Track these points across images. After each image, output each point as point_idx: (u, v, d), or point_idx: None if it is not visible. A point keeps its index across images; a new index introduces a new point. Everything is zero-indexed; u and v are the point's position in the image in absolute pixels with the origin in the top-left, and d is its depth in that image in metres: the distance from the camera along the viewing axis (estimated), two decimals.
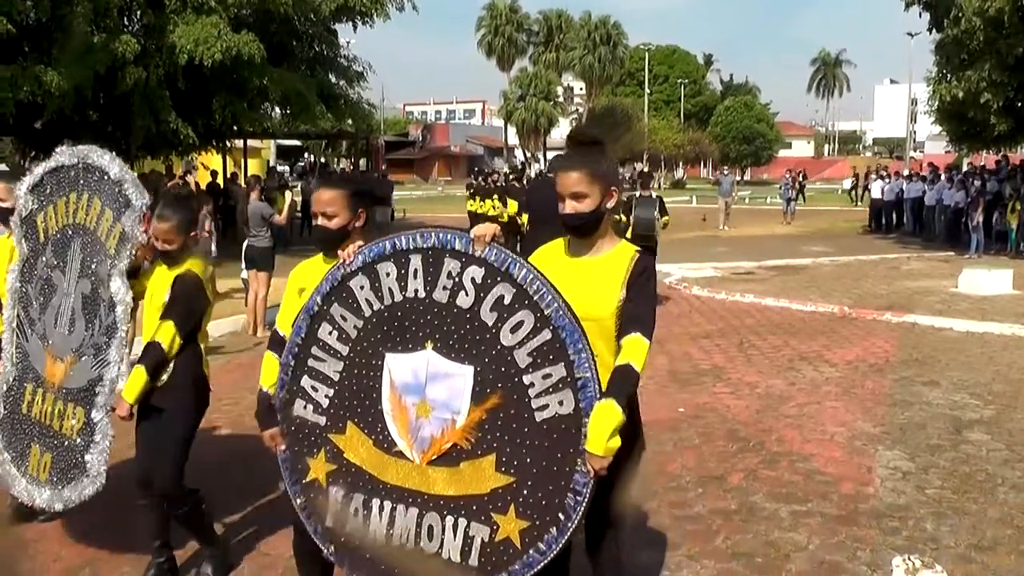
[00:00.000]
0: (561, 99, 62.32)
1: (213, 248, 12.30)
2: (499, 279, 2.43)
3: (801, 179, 36.79)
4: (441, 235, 2.53)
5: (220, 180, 21.24)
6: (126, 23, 17.37)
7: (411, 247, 2.58)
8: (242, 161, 25.89)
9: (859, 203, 35.43)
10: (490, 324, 2.44)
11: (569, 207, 2.59)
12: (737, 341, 8.94)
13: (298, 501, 2.84)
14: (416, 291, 2.57)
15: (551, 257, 2.71)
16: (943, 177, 22.11)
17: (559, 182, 2.61)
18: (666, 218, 11.08)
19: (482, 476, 2.46)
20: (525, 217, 9.62)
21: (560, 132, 66.80)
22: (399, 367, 2.60)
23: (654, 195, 11.10)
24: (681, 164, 67.55)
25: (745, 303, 11.50)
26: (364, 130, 26.16)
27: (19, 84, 13.98)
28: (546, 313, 2.36)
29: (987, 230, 18.19)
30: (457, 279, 2.49)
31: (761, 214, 31.04)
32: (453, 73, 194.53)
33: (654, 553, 3.98)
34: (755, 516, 4.42)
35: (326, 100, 19.60)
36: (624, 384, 2.40)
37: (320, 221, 3.07)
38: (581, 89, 67.03)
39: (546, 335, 2.37)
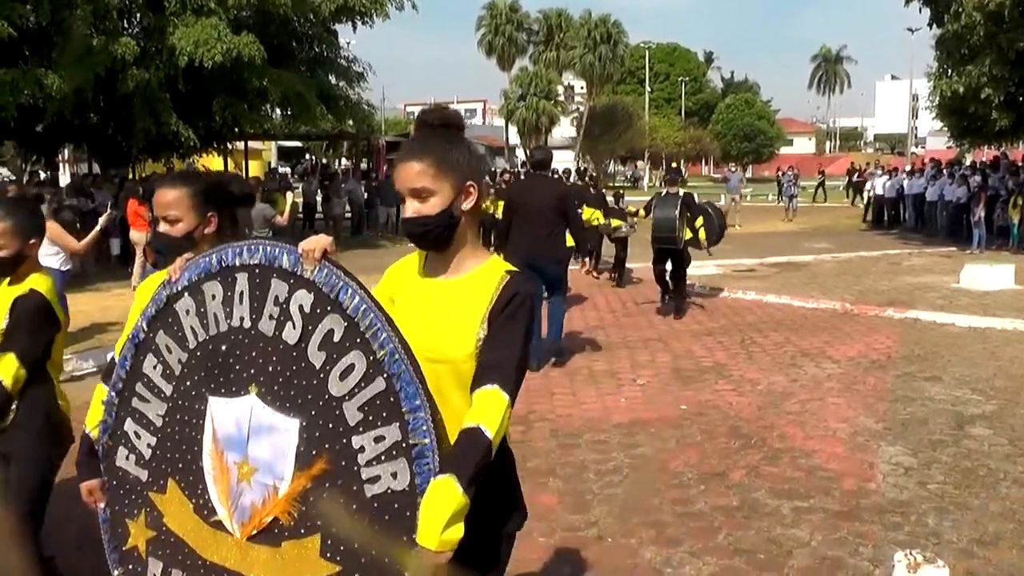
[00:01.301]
0: (562, 98, 62.24)
1: None
2: (329, 308, 1.94)
3: (782, 176, 36.69)
4: (269, 249, 2.05)
5: None
6: (126, 25, 17.41)
7: (237, 263, 2.10)
8: (243, 163, 25.91)
9: (820, 200, 35.52)
10: (318, 366, 1.95)
11: (410, 209, 2.00)
12: (739, 338, 8.94)
13: (115, 573, 2.34)
14: (242, 319, 2.08)
15: (402, 276, 2.16)
16: (945, 172, 22.11)
17: (396, 176, 2.04)
18: (699, 221, 10.01)
19: (306, 561, 1.98)
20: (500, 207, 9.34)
21: (561, 131, 66.89)
22: (222, 415, 2.11)
23: (681, 192, 9.95)
24: (682, 162, 67.60)
25: (747, 300, 11.50)
26: (365, 131, 26.19)
27: (20, 87, 14.03)
28: (378, 356, 1.87)
29: (989, 225, 18.18)
30: (284, 306, 2.00)
31: (763, 211, 31.02)
32: (453, 73, 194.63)
33: (656, 550, 3.99)
34: (757, 512, 4.42)
35: (326, 101, 19.64)
36: (468, 455, 1.80)
37: (161, 227, 2.54)
38: (582, 88, 66.95)
39: (379, 385, 1.87)
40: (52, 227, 7.26)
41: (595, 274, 13.34)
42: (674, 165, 11.38)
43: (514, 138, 63.91)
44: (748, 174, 67.37)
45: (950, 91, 19.65)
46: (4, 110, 14.22)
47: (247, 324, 2.07)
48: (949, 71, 20.65)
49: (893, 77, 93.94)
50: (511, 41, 60.46)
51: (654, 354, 8.26)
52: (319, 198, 23.09)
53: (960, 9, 18.08)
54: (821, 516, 4.36)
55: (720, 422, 6.02)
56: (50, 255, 7.32)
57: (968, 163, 26.48)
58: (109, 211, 10.00)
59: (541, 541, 4.09)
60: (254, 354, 2.05)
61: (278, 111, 20.63)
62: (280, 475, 1.98)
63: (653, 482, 4.88)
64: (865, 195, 28.16)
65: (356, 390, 1.89)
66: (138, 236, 12.28)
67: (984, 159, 27.01)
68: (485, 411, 1.84)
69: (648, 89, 67.91)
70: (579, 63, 58.03)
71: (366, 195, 23.17)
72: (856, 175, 32.96)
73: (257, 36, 16.79)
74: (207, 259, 2.16)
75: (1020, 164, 21.54)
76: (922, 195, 22.29)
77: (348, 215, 22.36)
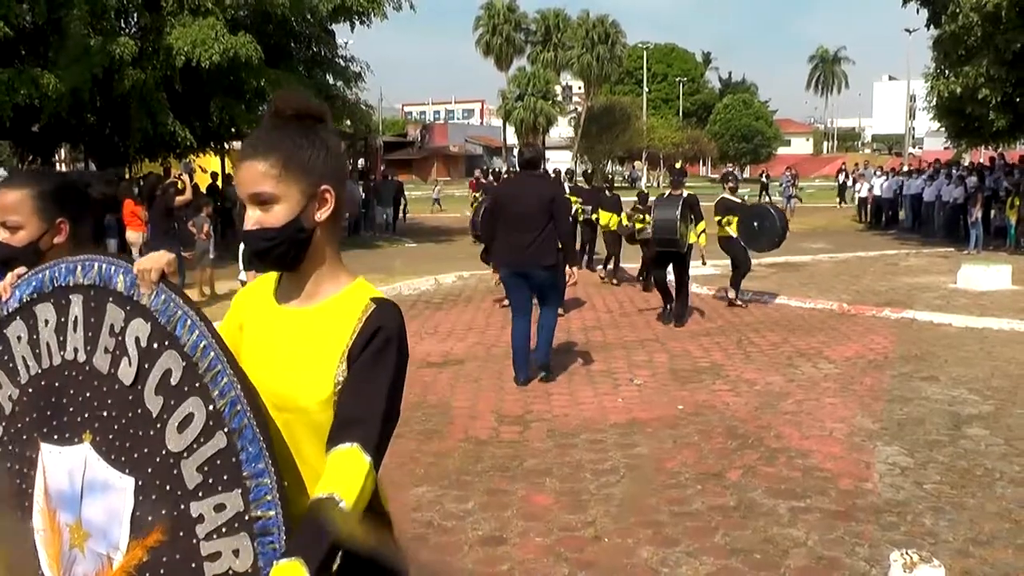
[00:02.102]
0: (560, 98, 62.32)
1: (211, 250, 12.33)
2: (167, 343, 1.62)
3: (765, 179, 36.60)
4: (104, 267, 1.72)
5: (219, 182, 21.27)
6: (123, 25, 17.42)
7: (71, 283, 1.77)
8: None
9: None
10: (155, 414, 1.63)
11: (251, 219, 1.63)
12: (736, 338, 8.94)
13: None
14: (75, 351, 1.75)
15: (253, 301, 1.78)
16: (942, 173, 22.15)
17: (236, 177, 1.68)
18: (701, 224, 9.55)
19: None
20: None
21: (559, 131, 66.93)
22: (55, 466, 1.76)
23: (685, 194, 9.50)
24: (680, 162, 67.64)
25: (744, 300, 11.48)
26: (363, 131, 26.20)
27: (16, 87, 14.03)
28: (218, 406, 1.56)
29: (986, 226, 18.21)
30: (120, 338, 1.68)
31: None
32: (451, 73, 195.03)
33: (653, 549, 3.99)
34: (754, 512, 4.42)
35: (324, 101, 19.61)
36: (319, 533, 1.45)
37: (0, 236, 2.14)
38: (580, 88, 67.09)
39: (219, 441, 1.56)
40: None
41: (613, 280, 13.20)
42: (678, 166, 10.97)
43: (512, 138, 63.94)
44: (746, 174, 67.58)
45: (947, 92, 19.67)
46: (0, 110, 14.21)
47: (81, 357, 1.74)
48: (946, 72, 20.67)
49: (891, 78, 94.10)
50: (509, 41, 60.56)
51: (651, 354, 8.26)
52: None
53: (957, 10, 18.10)
54: (818, 516, 4.36)
55: (717, 422, 6.02)
56: None
57: (966, 163, 26.51)
58: None
59: (538, 541, 4.09)
60: (88, 395, 1.72)
61: None
62: (115, 543, 1.66)
63: (650, 482, 4.88)
64: (854, 196, 28.12)
65: (195, 446, 1.58)
66: (134, 236, 12.29)
67: (982, 160, 27.04)
68: (340, 477, 1.49)
69: (646, 89, 67.94)
70: (577, 63, 58.14)
71: (363, 195, 23.18)
72: (845, 176, 32.88)
73: (255, 36, 16.79)
74: (40, 276, 1.84)
75: (1015, 164, 21.56)
76: (919, 195, 22.34)
77: (346, 215, 22.39)
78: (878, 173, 27.39)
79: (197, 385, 1.59)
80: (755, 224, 10.56)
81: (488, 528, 4.25)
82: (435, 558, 3.93)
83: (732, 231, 10.41)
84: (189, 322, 1.61)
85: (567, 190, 13.65)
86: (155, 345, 1.64)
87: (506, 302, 8.49)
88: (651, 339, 8.97)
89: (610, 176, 20.15)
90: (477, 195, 18.66)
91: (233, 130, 20.38)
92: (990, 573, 3.75)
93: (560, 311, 10.00)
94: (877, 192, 24.99)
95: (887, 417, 6.09)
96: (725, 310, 10.77)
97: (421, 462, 5.21)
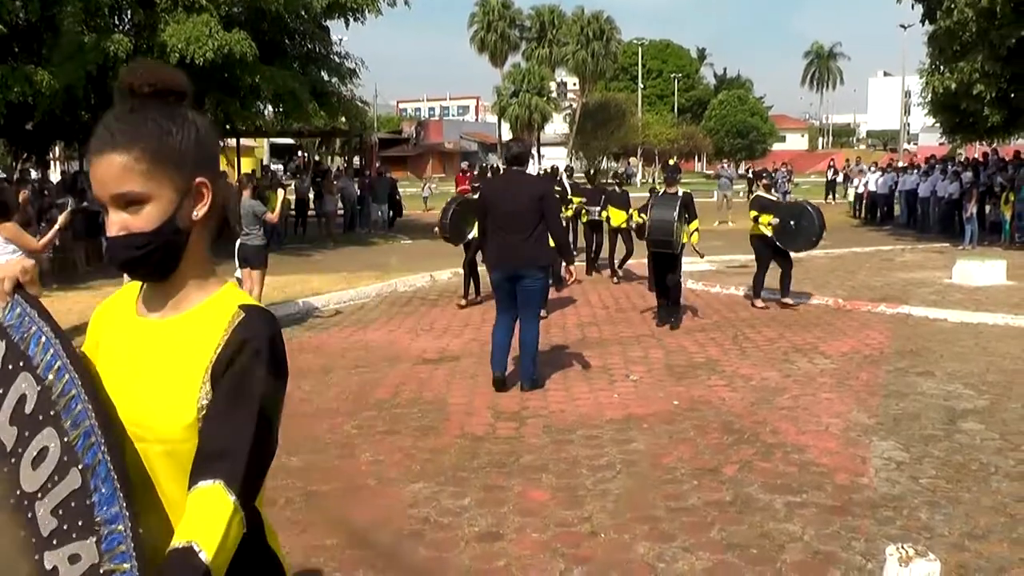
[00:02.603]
0: (555, 94, 62.29)
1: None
2: (21, 365, 1.41)
3: (752, 174, 36.47)
4: None
5: None
6: (117, 22, 17.36)
7: None
8: (235, 160, 25.87)
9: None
10: (9, 447, 1.41)
11: (115, 224, 1.37)
12: (732, 334, 8.95)
13: None
14: None
15: (112, 314, 1.55)
16: (937, 169, 22.19)
17: (92, 174, 1.39)
18: (695, 223, 9.31)
19: None
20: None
21: (554, 127, 66.85)
22: None
23: (680, 192, 9.35)
24: (675, 158, 67.66)
25: (740, 296, 11.51)
26: (358, 128, 26.20)
27: (10, 84, 13.95)
28: (71, 438, 1.34)
29: (981, 221, 18.26)
30: None
31: None
32: (446, 69, 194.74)
33: (649, 545, 3.99)
34: (750, 507, 4.43)
35: (319, 98, 19.60)
36: None
37: None
38: (574, 84, 67.03)
39: (74, 480, 1.34)
40: (9, 227, 7.26)
41: (616, 279, 13.13)
42: (672, 163, 10.80)
43: (507, 134, 63.91)
44: (741, 170, 67.64)
45: (942, 87, 19.69)
46: None
47: None
48: (941, 67, 20.68)
49: (886, 73, 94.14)
50: (504, 38, 60.48)
51: (647, 350, 8.26)
52: (311, 195, 23.13)
53: (952, 5, 18.10)
54: (814, 511, 4.37)
55: (713, 417, 6.03)
56: (6, 254, 7.27)
57: (961, 159, 26.55)
58: (69, 207, 9.84)
59: (534, 537, 4.09)
60: None
61: (270, 108, 20.58)
62: None
63: (646, 477, 4.89)
64: (847, 192, 28.08)
65: (50, 485, 1.36)
66: None
67: (976, 155, 27.08)
68: (200, 521, 1.26)
69: (641, 85, 67.96)
70: (572, 59, 58.10)
71: (358, 192, 23.20)
72: (834, 173, 32.82)
73: (249, 33, 16.73)
74: None
75: (1010, 160, 21.60)
76: (914, 191, 22.38)
77: (340, 212, 22.40)
78: (872, 169, 27.41)
79: (51, 413, 1.38)
80: (792, 223, 10.18)
81: (485, 524, 4.25)
82: (432, 554, 3.94)
83: (764, 230, 10.18)
84: (43, 339, 1.40)
85: (568, 189, 13.60)
86: (10, 367, 1.43)
87: None
88: (647, 335, 8.97)
89: (619, 173, 19.95)
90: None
91: (228, 127, 20.37)
92: (985, 567, 3.77)
93: (543, 313, 9.88)
94: (872, 188, 25.03)
95: (883, 412, 6.11)
96: (721, 305, 10.78)
97: (417, 458, 5.21)
